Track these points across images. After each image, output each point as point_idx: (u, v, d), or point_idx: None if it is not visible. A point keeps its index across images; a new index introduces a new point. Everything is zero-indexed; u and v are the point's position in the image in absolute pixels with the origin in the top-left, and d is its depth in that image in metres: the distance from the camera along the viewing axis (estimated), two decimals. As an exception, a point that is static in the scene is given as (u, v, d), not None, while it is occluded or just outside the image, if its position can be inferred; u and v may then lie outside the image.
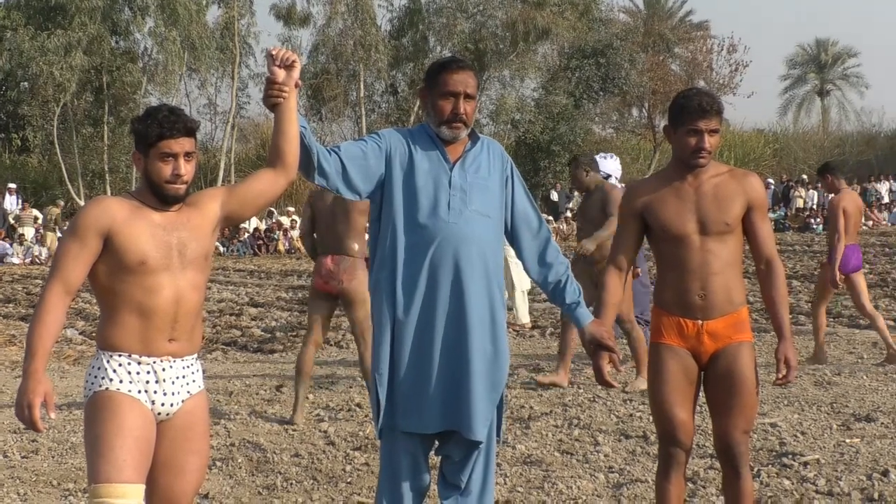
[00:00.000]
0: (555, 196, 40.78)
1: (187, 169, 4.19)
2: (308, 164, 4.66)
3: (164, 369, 4.24)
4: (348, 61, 43.21)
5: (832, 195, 11.16)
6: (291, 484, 6.98)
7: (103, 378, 4.17)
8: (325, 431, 8.35)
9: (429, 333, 4.84)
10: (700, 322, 4.83)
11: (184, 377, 4.31)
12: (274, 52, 4.53)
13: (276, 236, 34.60)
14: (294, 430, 8.44)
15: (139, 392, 4.18)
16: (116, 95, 41.08)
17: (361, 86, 43.63)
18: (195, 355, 4.40)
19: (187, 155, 4.19)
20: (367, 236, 8.64)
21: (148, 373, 4.21)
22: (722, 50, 49.69)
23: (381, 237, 4.92)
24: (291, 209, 36.52)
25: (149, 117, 4.17)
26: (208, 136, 47.47)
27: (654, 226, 4.92)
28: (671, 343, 4.88)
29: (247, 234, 34.60)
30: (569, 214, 38.32)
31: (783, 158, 55.26)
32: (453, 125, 4.85)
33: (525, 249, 5.04)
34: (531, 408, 9.06)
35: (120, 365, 4.18)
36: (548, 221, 36.42)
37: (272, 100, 4.49)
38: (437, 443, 5.07)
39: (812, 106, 71.04)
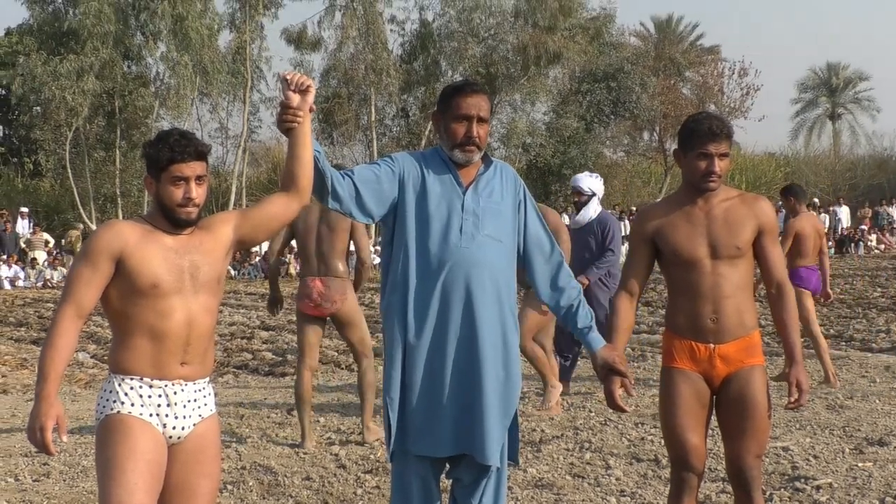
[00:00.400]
0: (566, 219, 40.74)
1: (199, 192, 4.19)
2: (322, 188, 4.67)
3: (175, 392, 4.23)
4: (359, 85, 43.28)
5: (791, 217, 11.51)
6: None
7: (115, 401, 4.17)
8: (336, 455, 8.34)
9: (440, 357, 4.84)
10: (712, 346, 4.83)
11: (195, 401, 4.30)
12: (288, 77, 4.54)
13: (286, 260, 34.60)
14: (305, 454, 8.43)
15: (151, 415, 4.18)
16: (128, 120, 41.25)
17: (373, 109, 43.68)
18: (207, 379, 4.39)
19: (199, 178, 4.19)
20: (351, 256, 8.70)
21: (160, 396, 4.20)
22: (733, 74, 49.78)
23: (392, 260, 4.91)
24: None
25: (160, 141, 4.18)
26: (220, 159, 47.62)
27: (665, 250, 4.93)
28: (683, 367, 4.88)
29: (258, 258, 34.62)
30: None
31: (794, 182, 55.18)
32: (466, 148, 4.86)
33: (537, 273, 5.03)
34: (542, 431, 9.04)
35: (132, 388, 4.17)
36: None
37: (286, 124, 4.49)
38: (447, 466, 5.06)
39: (823, 129, 71.14)
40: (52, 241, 35.82)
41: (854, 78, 71.78)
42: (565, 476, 7.53)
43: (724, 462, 5.38)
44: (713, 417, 4.98)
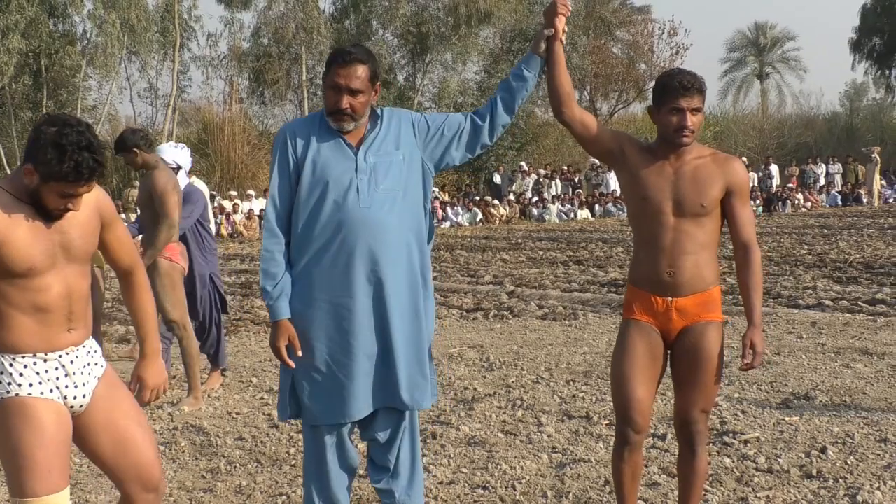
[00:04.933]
0: (497, 179, 40.85)
1: (79, 205, 4.05)
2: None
3: (71, 361, 4.13)
4: (290, 44, 42.99)
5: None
6: (235, 467, 6.97)
7: (10, 383, 4.00)
8: (269, 415, 8.33)
9: (345, 319, 4.91)
10: (670, 299, 4.87)
11: (89, 364, 4.22)
12: None
13: (218, 220, 34.37)
14: (237, 414, 8.41)
15: (51, 391, 4.05)
16: (55, 79, 40.64)
17: (304, 69, 43.40)
18: (90, 337, 4.29)
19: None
20: None
21: (56, 369, 4.08)
22: (663, 33, 50.08)
23: (293, 228, 4.97)
24: (234, 193, 36.28)
25: (64, 153, 3.85)
26: (149, 119, 47.06)
27: (631, 192, 4.97)
28: (640, 319, 4.92)
29: (123, 223, 34.28)
30: (511, 197, 38.47)
31: (723, 141, 55.64)
32: (337, 118, 4.92)
33: (481, 132, 5.20)
34: (475, 389, 9.09)
35: (26, 367, 4.02)
36: (490, 203, 36.52)
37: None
38: (356, 427, 5.17)
39: (751, 89, 71.80)
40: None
41: (781, 37, 72.48)
42: (497, 433, 7.58)
43: (655, 418, 5.44)
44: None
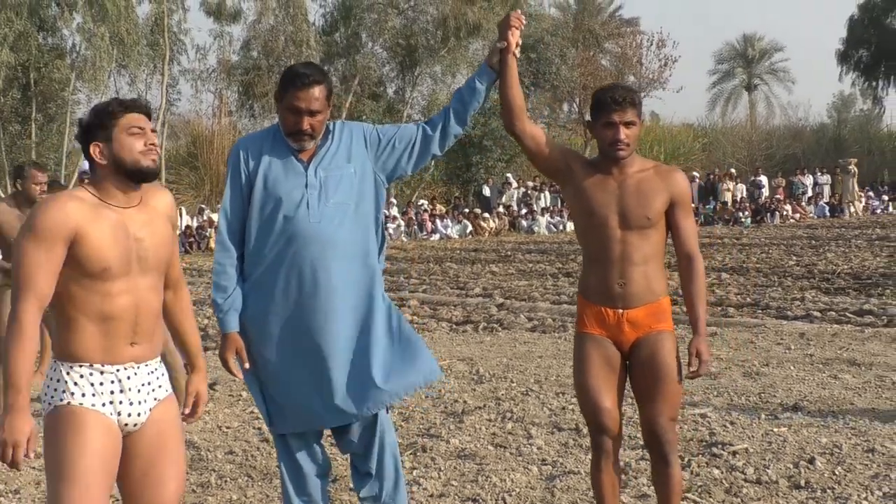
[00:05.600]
0: (486, 191, 40.88)
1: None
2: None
3: (129, 377, 4.01)
4: (280, 57, 42.95)
5: None
6: (226, 481, 6.99)
7: (64, 391, 3.91)
8: (259, 429, 8.34)
9: (300, 331, 5.01)
10: (621, 311, 4.93)
11: (149, 384, 4.10)
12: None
13: (207, 234, 34.35)
14: (228, 428, 8.43)
15: (104, 405, 3.95)
16: (44, 92, 40.49)
17: (293, 82, 43.30)
18: (158, 359, 4.19)
19: (153, 131, 4.10)
20: None
21: (112, 382, 3.97)
22: (651, 45, 50.11)
23: (247, 242, 5.07)
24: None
25: (102, 104, 4.06)
26: (138, 132, 46.94)
27: (577, 208, 5.03)
28: (593, 332, 4.98)
29: (177, 232, 34.34)
30: (501, 209, 38.52)
31: (712, 152, 55.84)
32: (297, 139, 5.04)
33: (432, 143, 5.28)
34: (465, 402, 9.11)
35: (82, 377, 3.93)
36: (479, 216, 36.53)
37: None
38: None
39: (739, 100, 72.10)
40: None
41: (769, 49, 72.74)
42: (487, 446, 7.61)
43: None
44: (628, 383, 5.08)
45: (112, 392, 3.97)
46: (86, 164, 9.09)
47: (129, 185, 4.03)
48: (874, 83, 61.98)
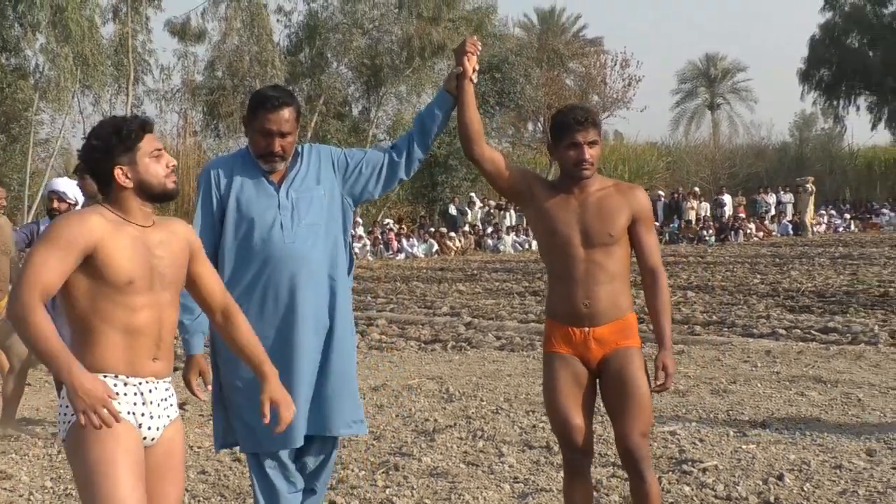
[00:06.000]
0: (453, 210, 40.95)
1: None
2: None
3: (150, 391, 4.01)
4: (244, 77, 42.93)
5: None
6: (199, 501, 7.00)
7: None
8: (232, 449, 8.33)
9: (275, 351, 4.96)
10: (587, 329, 4.98)
11: (166, 400, 4.10)
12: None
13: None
14: (199, 448, 8.42)
15: (128, 414, 3.93)
16: (7, 113, 40.27)
17: (258, 102, 43.28)
18: (171, 377, 4.19)
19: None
20: None
21: (135, 395, 3.96)
22: (615, 65, 50.34)
23: (221, 264, 5.13)
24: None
25: (120, 124, 4.01)
26: (102, 153, 46.75)
27: (540, 228, 5.11)
28: (561, 351, 5.03)
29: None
30: (466, 228, 38.61)
31: (676, 171, 56.11)
32: (268, 160, 5.13)
33: (403, 161, 5.38)
34: (435, 420, 9.14)
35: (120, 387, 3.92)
36: (445, 235, 36.58)
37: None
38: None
39: (703, 119, 72.57)
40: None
41: (732, 69, 73.30)
42: (459, 464, 7.64)
43: (614, 447, 5.53)
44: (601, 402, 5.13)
45: (135, 404, 3.96)
46: (56, 184, 9.13)
47: (147, 205, 4.07)
48: (835, 102, 62.48)
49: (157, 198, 4.06)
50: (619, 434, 4.98)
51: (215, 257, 5.10)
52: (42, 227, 9.13)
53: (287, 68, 42.92)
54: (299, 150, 5.26)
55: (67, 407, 3.86)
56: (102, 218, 3.93)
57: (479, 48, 5.38)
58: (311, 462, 5.37)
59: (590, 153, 4.98)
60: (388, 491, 6.99)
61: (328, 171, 5.25)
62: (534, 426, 8.81)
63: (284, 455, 5.28)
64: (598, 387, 5.09)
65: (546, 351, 5.13)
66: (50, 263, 3.78)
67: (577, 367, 5.01)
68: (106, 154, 3.98)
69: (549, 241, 5.07)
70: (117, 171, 3.98)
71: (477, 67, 5.35)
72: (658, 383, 4.97)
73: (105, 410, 3.64)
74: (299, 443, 5.21)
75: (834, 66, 61.04)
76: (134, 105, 42.58)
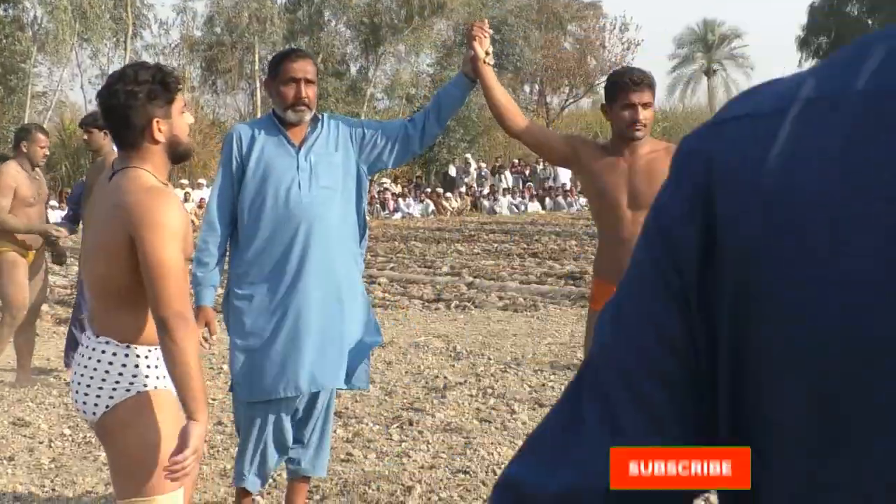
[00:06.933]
0: (452, 171, 41.00)
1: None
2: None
3: (158, 357, 3.73)
4: (243, 34, 42.84)
5: None
6: (218, 451, 7.10)
7: (157, 377, 3.73)
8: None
9: (286, 306, 5.21)
10: None
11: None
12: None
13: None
14: (213, 400, 8.50)
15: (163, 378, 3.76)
16: (4, 64, 40.11)
17: (256, 58, 43.27)
18: None
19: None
20: None
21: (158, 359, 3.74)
22: (614, 28, 50.37)
23: (239, 221, 5.26)
24: (185, 182, 36.15)
25: (163, 72, 3.73)
26: (99, 106, 46.61)
27: (589, 190, 5.19)
28: None
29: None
30: (463, 189, 38.66)
31: (672, 136, 56.11)
32: (297, 108, 5.24)
33: (418, 134, 5.43)
34: (445, 378, 9.25)
35: (158, 358, 3.69)
36: (441, 196, 36.64)
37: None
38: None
39: (699, 85, 72.43)
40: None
41: (729, 35, 73.21)
42: (473, 421, 7.75)
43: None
44: None
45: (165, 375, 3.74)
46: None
47: (169, 162, 3.84)
48: (833, 70, 62.42)
49: (180, 156, 3.85)
50: None
51: (233, 214, 5.23)
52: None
53: (286, 25, 42.87)
54: (319, 116, 5.37)
55: (133, 374, 3.70)
56: (175, 195, 3.80)
57: (488, 31, 5.36)
58: (300, 412, 5.45)
59: (644, 115, 5.05)
60: (403, 445, 7.10)
61: (346, 140, 5.37)
62: (543, 385, 8.92)
63: (281, 410, 5.36)
64: None
65: (591, 309, 5.23)
66: (183, 263, 3.62)
67: None
68: (149, 102, 3.65)
69: (598, 203, 5.15)
70: (156, 125, 3.68)
71: (490, 50, 5.34)
72: None
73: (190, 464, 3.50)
74: (295, 392, 5.28)
75: (833, 34, 60.97)
76: (132, 59, 42.39)
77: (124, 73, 3.74)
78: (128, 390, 3.69)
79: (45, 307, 12.87)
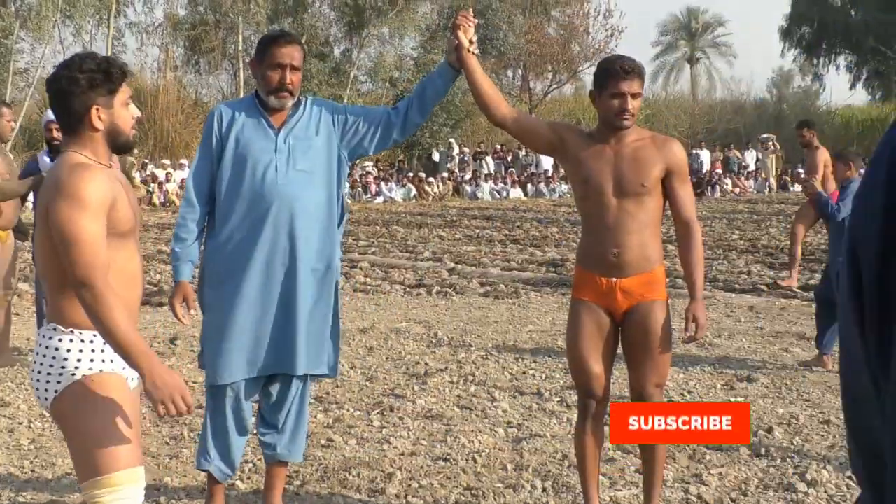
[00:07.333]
0: (436, 156, 40.97)
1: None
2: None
3: (103, 342, 3.73)
4: (227, 13, 42.67)
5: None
6: (197, 434, 7.05)
7: (103, 360, 3.76)
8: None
9: (258, 288, 5.24)
10: (614, 280, 5.06)
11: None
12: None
13: (151, 189, 34.15)
14: (194, 383, 8.49)
15: (123, 368, 3.79)
16: (-14, 40, 40.00)
17: (240, 38, 43.14)
18: None
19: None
20: None
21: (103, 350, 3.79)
22: (598, 15, 50.31)
23: (217, 199, 5.31)
24: (167, 162, 36.07)
25: (107, 63, 3.78)
26: (81, 84, 46.32)
27: (574, 176, 5.17)
28: (587, 299, 5.11)
29: None
30: (445, 174, 38.64)
31: (654, 124, 56.12)
32: (280, 94, 5.27)
33: (400, 122, 5.43)
34: (426, 364, 9.25)
35: (104, 342, 3.69)
36: (424, 181, 36.62)
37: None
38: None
39: (682, 73, 72.52)
40: None
41: (713, 23, 73.31)
42: (453, 408, 7.75)
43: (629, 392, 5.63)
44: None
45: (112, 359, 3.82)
46: (50, 114, 9.06)
47: (109, 150, 3.90)
48: (815, 60, 62.59)
49: (120, 147, 3.89)
50: (636, 383, 5.10)
51: (212, 191, 5.27)
52: (42, 162, 9.08)
53: (270, 6, 42.68)
54: (301, 99, 5.39)
55: (66, 361, 3.73)
56: (102, 170, 3.75)
57: (472, 20, 5.32)
58: (274, 396, 5.48)
59: (632, 104, 5.03)
60: (384, 431, 7.10)
61: (327, 124, 5.38)
62: (524, 373, 8.93)
63: (245, 393, 5.40)
64: (619, 336, 5.19)
65: (573, 296, 5.22)
66: (101, 237, 3.62)
67: (600, 316, 5.10)
68: (90, 90, 3.73)
69: (582, 190, 5.13)
70: (94, 112, 3.76)
71: (475, 40, 5.29)
72: (688, 334, 5.07)
73: (181, 403, 3.61)
74: (266, 372, 5.34)
75: (815, 24, 61.12)
76: (115, 37, 42.28)
77: (71, 61, 3.82)
78: (73, 374, 3.73)
79: (25, 286, 12.86)
